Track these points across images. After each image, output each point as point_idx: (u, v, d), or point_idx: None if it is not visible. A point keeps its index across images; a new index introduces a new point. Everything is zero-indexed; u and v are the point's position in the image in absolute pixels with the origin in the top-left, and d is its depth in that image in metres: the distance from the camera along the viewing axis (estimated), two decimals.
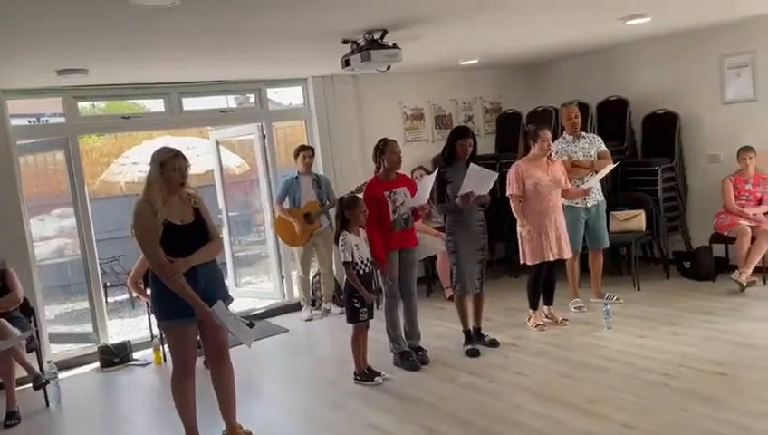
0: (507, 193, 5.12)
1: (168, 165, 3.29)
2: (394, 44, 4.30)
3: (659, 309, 5.37)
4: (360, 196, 4.59)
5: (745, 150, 5.77)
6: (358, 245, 4.25)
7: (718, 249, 6.06)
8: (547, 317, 5.33)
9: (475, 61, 6.74)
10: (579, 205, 5.47)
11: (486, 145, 7.72)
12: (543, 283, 5.23)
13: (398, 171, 4.72)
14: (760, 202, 5.77)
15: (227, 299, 3.52)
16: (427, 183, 4.64)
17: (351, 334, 4.40)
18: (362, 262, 4.27)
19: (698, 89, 6.38)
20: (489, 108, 7.94)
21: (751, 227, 5.59)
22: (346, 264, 4.24)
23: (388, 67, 4.56)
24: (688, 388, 3.77)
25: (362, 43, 4.29)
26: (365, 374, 4.42)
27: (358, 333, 4.37)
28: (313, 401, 4.36)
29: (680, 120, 6.47)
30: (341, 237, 4.22)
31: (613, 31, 5.67)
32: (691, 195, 6.62)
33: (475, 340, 4.90)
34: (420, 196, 4.55)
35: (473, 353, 4.74)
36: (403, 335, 4.74)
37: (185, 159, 3.36)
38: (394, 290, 4.64)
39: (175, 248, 3.27)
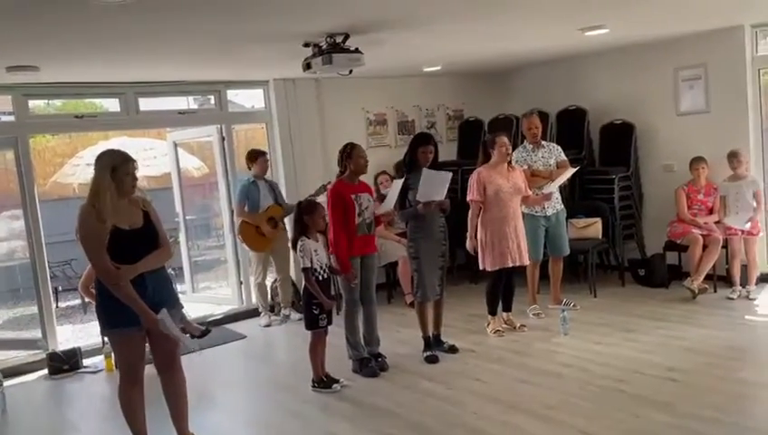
0: (468, 198, 5.13)
1: (121, 169, 3.18)
2: (356, 49, 4.28)
3: (615, 316, 5.46)
4: (320, 199, 4.55)
5: (698, 161, 5.93)
6: (317, 250, 4.20)
7: (672, 257, 6.20)
8: (506, 323, 5.36)
9: (438, 67, 6.77)
10: (538, 213, 5.52)
11: (448, 152, 7.78)
12: (502, 289, 5.27)
13: (360, 177, 4.70)
14: (711, 211, 5.94)
15: (176, 306, 3.43)
16: (396, 189, 4.63)
17: (310, 341, 4.34)
18: (321, 268, 4.22)
19: (654, 100, 6.55)
20: (452, 115, 7.99)
21: (702, 235, 5.73)
22: (305, 270, 4.18)
23: (350, 71, 4.54)
24: (642, 394, 3.83)
25: (324, 47, 4.25)
26: (323, 381, 4.36)
27: (316, 339, 4.31)
28: (270, 409, 4.29)
29: (636, 131, 6.62)
30: (300, 243, 4.17)
31: (573, 41, 5.77)
32: (646, 204, 6.77)
33: (434, 346, 4.90)
34: (389, 202, 4.54)
35: (432, 360, 4.74)
36: (362, 342, 4.71)
37: (135, 162, 3.27)
38: (354, 296, 4.60)
39: (123, 254, 3.16)
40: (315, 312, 4.23)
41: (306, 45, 4.45)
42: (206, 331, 5.44)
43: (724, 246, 5.70)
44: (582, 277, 6.55)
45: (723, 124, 6.02)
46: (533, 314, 5.61)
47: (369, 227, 4.58)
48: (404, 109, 7.56)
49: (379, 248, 6.53)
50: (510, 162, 5.17)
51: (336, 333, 4.60)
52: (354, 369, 4.64)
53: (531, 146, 5.67)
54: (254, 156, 6.17)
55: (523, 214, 5.30)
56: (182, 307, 3.56)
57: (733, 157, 5.73)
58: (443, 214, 4.78)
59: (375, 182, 6.58)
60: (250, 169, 6.20)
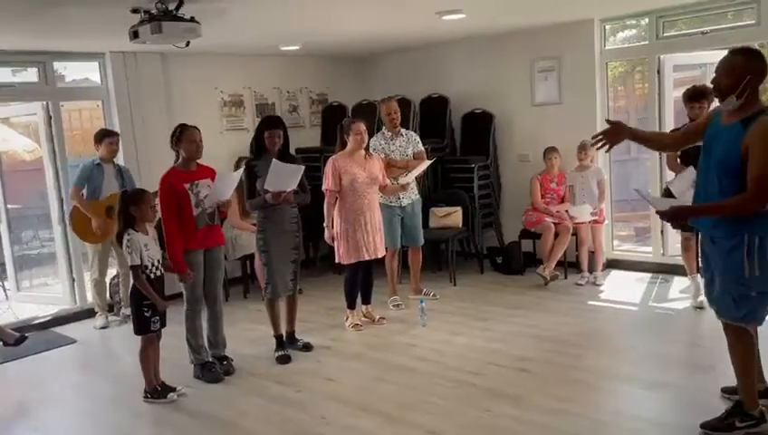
0: (323, 188, 4.87)
1: None
2: (192, 18, 3.81)
3: (473, 304, 5.46)
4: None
5: (550, 151, 6.08)
6: (147, 245, 3.71)
7: (527, 245, 6.34)
8: (365, 316, 5.17)
9: (296, 47, 6.40)
10: (393, 203, 5.37)
11: (312, 137, 7.47)
12: (361, 281, 5.06)
13: (199, 162, 4.24)
14: (563, 200, 6.11)
15: None
16: (228, 178, 4.21)
17: (140, 347, 3.85)
18: (153, 264, 3.74)
19: (511, 90, 6.63)
20: (315, 99, 7.66)
21: (554, 223, 5.88)
22: (133, 267, 3.69)
23: (188, 43, 4.06)
24: (493, 386, 3.77)
25: (155, 13, 3.74)
26: (157, 391, 3.90)
27: (147, 345, 3.83)
28: (91, 427, 3.77)
29: (495, 120, 6.68)
30: (127, 237, 3.66)
31: (432, 26, 5.64)
32: (504, 192, 6.87)
33: (287, 345, 4.59)
34: (220, 191, 4.09)
35: (283, 360, 4.42)
36: (206, 344, 4.29)
37: None
38: (197, 294, 4.16)
39: None
40: (146, 314, 3.75)
41: (135, 11, 3.90)
42: (21, 338, 4.80)
43: (574, 234, 5.88)
44: (444, 266, 6.52)
45: (574, 115, 6.20)
46: (394, 306, 5.47)
47: (211, 218, 4.14)
48: (263, 90, 7.11)
49: (234, 240, 6.14)
50: (367, 149, 4.96)
51: (178, 335, 4.17)
52: (196, 374, 4.22)
53: (389, 134, 5.49)
54: (99, 137, 5.47)
55: (379, 204, 5.12)
56: None
57: (581, 148, 5.91)
58: (296, 206, 4.45)
59: (236, 168, 6.09)
60: (98, 151, 5.50)
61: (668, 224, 5.26)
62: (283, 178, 4.18)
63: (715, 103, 3.06)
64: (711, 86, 2.93)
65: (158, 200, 4.01)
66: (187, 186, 4.05)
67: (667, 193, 4.66)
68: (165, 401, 3.87)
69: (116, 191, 5.46)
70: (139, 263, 3.68)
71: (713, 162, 2.89)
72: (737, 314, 2.89)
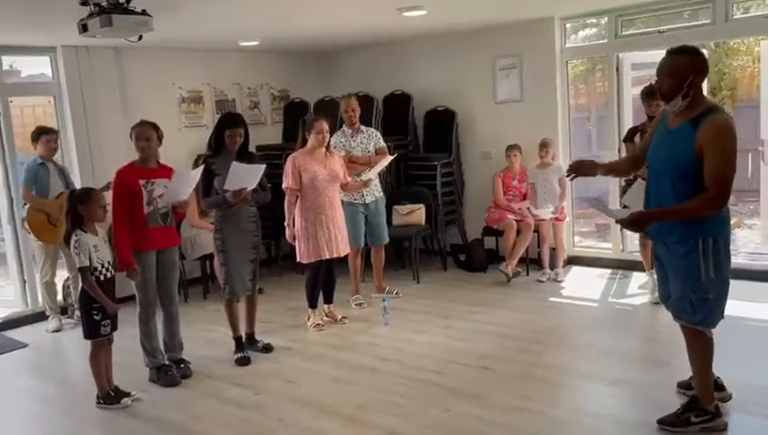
0: (283, 186, 4.79)
1: None
2: (143, 11, 3.69)
3: (435, 301, 5.44)
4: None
5: (512, 149, 6.09)
6: (96, 245, 3.58)
7: (490, 242, 6.35)
8: (327, 316, 5.11)
9: (256, 43, 6.28)
10: (357, 201, 5.32)
11: (273, 134, 7.36)
12: (323, 280, 4.99)
13: (161, 161, 4.12)
14: (525, 197, 6.14)
15: None
16: (186, 178, 4.09)
17: (90, 351, 3.71)
18: (103, 266, 3.61)
19: (474, 88, 6.62)
20: (277, 95, 7.54)
21: (516, 220, 5.90)
22: (82, 269, 3.55)
23: (140, 37, 3.92)
24: (455, 385, 3.75)
25: (104, 6, 3.61)
26: (110, 396, 3.77)
27: (97, 349, 3.70)
28: (42, 434, 3.62)
29: (458, 118, 6.67)
30: (74, 238, 3.52)
31: (394, 22, 5.59)
32: (467, 190, 6.87)
33: (247, 346, 4.50)
34: (176, 191, 3.98)
35: (243, 362, 4.33)
36: (161, 347, 4.17)
37: None
38: (149, 297, 4.04)
39: None
40: (96, 317, 3.61)
41: (84, 4, 3.75)
42: None
43: (536, 231, 5.91)
44: (408, 263, 6.49)
45: (535, 113, 6.23)
46: (356, 305, 5.42)
47: (164, 218, 4.02)
48: (222, 86, 6.96)
49: (193, 239, 6.01)
50: (328, 147, 4.90)
51: (134, 337, 4.05)
52: (151, 378, 4.10)
53: (350, 131, 5.43)
54: (36, 135, 5.27)
55: (342, 201, 5.07)
56: None
57: (542, 146, 5.95)
58: (254, 204, 4.36)
59: (194, 166, 5.95)
60: (35, 149, 5.30)
61: None
62: (243, 177, 4.09)
63: None
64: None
65: (109, 198, 3.88)
66: (141, 182, 3.94)
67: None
68: (118, 406, 3.75)
69: (62, 190, 5.28)
70: (88, 264, 3.54)
71: (664, 167, 2.88)
72: (694, 319, 2.90)
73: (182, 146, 6.27)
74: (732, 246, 2.99)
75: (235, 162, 4.08)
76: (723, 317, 2.93)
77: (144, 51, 5.91)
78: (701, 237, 2.79)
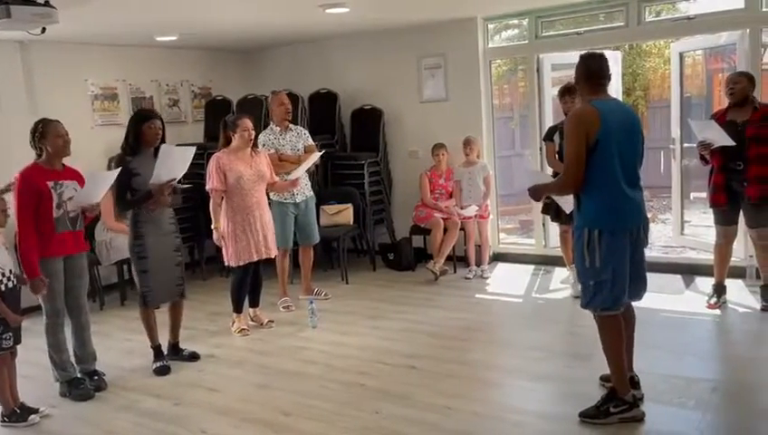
0: (207, 187, 4.61)
1: None
2: (46, 2, 3.45)
3: (364, 302, 5.40)
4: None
5: (438, 147, 6.14)
6: None
7: (418, 240, 6.37)
8: (253, 320, 4.97)
9: (174, 38, 6.03)
10: (287, 200, 5.20)
11: (195, 133, 7.11)
12: (250, 283, 4.84)
13: (66, 163, 3.86)
14: (451, 195, 6.19)
15: None
16: (100, 179, 3.85)
17: None
18: (4, 274, 3.35)
19: (400, 87, 6.63)
20: (198, 93, 7.30)
21: (443, 219, 5.94)
22: None
23: (44, 30, 3.67)
24: (382, 386, 3.71)
25: None
26: (15, 413, 3.51)
27: (0, 364, 3.43)
28: None
29: (385, 117, 6.66)
30: None
31: (317, 19, 5.50)
32: (395, 189, 6.87)
33: (171, 356, 4.30)
34: (89, 193, 3.73)
35: (162, 371, 4.13)
36: (72, 359, 3.92)
37: None
38: (57, 306, 3.78)
39: None
40: None
41: None
42: None
43: (462, 229, 5.97)
44: (336, 264, 6.42)
45: (460, 112, 6.30)
46: (284, 308, 5.30)
47: (73, 223, 3.77)
48: (139, 83, 6.67)
49: (109, 243, 5.72)
50: (254, 146, 4.76)
51: (43, 349, 3.80)
52: (62, 392, 3.85)
53: (278, 129, 5.30)
54: None
55: (272, 201, 4.95)
56: None
57: (466, 144, 6.02)
58: (170, 205, 4.17)
59: (109, 167, 5.64)
60: None
61: (548, 217, 5.51)
62: (177, 163, 3.92)
63: None
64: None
65: (11, 201, 3.60)
66: (50, 184, 3.67)
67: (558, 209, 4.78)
68: (25, 423, 3.49)
69: None
70: None
71: None
72: (582, 302, 3.14)
73: (95, 145, 5.97)
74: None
75: (164, 145, 3.92)
76: (615, 308, 3.03)
77: (52, 44, 5.58)
78: (588, 228, 3.02)
